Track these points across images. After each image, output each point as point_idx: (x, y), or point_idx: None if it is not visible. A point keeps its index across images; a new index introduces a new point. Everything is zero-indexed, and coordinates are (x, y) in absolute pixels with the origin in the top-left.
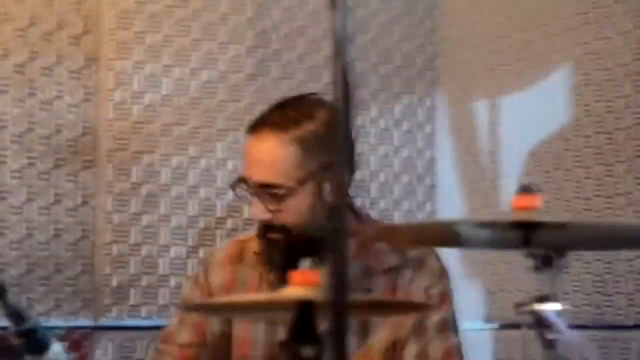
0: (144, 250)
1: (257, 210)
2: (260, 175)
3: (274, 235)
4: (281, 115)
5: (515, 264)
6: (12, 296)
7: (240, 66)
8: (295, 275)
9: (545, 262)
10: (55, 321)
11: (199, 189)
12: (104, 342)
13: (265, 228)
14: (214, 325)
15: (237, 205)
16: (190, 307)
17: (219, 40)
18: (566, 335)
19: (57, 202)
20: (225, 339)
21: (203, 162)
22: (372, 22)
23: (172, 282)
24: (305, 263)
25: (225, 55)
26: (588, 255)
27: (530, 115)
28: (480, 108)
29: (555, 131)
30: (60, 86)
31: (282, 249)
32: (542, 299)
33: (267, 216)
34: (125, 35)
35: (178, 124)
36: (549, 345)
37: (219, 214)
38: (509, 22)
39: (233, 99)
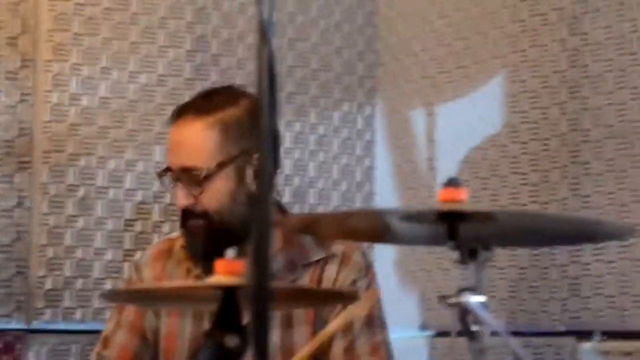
0: (79, 253)
1: (179, 197)
2: (181, 159)
3: (195, 222)
4: (204, 101)
5: (453, 270)
6: None
7: (179, 70)
8: (219, 265)
9: (471, 254)
10: None
11: (135, 193)
12: (37, 345)
13: (187, 215)
14: (149, 321)
15: (173, 210)
16: (117, 296)
17: (158, 44)
18: (491, 325)
19: None
20: (157, 334)
21: (140, 166)
22: (312, 29)
23: (108, 285)
24: (230, 252)
25: (164, 59)
26: (523, 260)
27: (466, 123)
28: (419, 116)
29: (492, 138)
30: None
31: (204, 236)
32: (467, 290)
33: (188, 202)
34: (63, 37)
35: (115, 127)
36: (474, 337)
37: (155, 217)
38: (448, 29)
39: (171, 103)
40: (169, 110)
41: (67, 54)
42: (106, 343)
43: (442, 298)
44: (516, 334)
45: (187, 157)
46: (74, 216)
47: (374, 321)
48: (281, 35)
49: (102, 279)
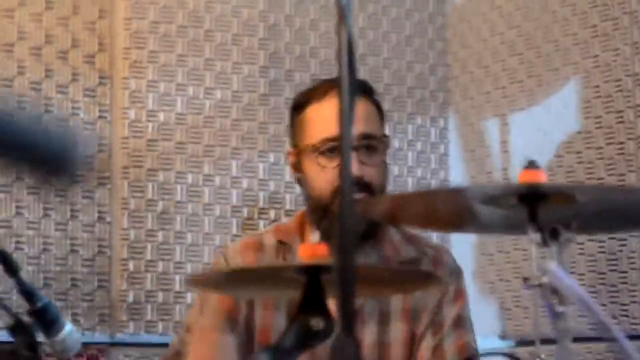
0: (160, 267)
1: (354, 165)
2: (361, 126)
3: (361, 195)
4: (363, 83)
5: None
6: (25, 275)
7: (254, 86)
8: (303, 248)
9: (552, 235)
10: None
11: (213, 207)
12: (120, 358)
13: (356, 184)
14: (242, 306)
15: (251, 224)
16: (200, 281)
17: (232, 60)
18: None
19: (73, 217)
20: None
21: (217, 180)
22: (384, 44)
23: (188, 298)
24: (315, 236)
25: (239, 75)
26: (602, 265)
27: (541, 131)
28: (492, 126)
29: (567, 144)
30: (76, 103)
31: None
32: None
33: (361, 172)
34: (138, 54)
35: (192, 142)
36: (559, 316)
37: (234, 231)
38: (519, 39)
39: (246, 119)
40: (245, 125)
41: (143, 71)
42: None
43: (526, 279)
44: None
45: (365, 124)
46: (154, 230)
47: (462, 322)
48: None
49: (183, 292)
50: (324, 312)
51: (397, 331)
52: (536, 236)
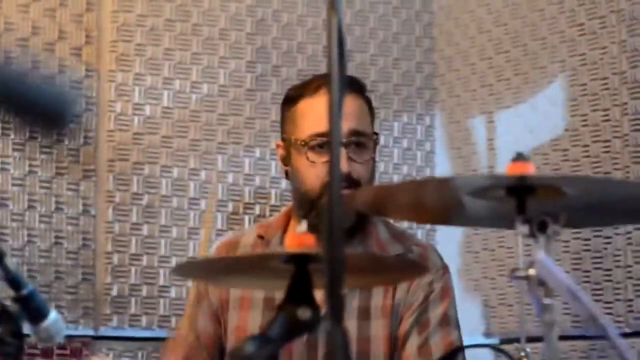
0: (144, 261)
1: (343, 162)
2: (351, 122)
3: (349, 191)
4: (356, 81)
5: None
6: (10, 261)
7: (240, 81)
8: (290, 238)
9: (540, 227)
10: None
11: (199, 201)
12: (104, 351)
13: (344, 180)
14: (201, 319)
15: (234, 218)
16: (186, 270)
17: (219, 54)
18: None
19: (58, 210)
20: (210, 333)
21: (203, 175)
22: (370, 41)
23: (173, 292)
24: (302, 226)
25: (225, 70)
26: (587, 264)
27: (527, 128)
28: (478, 124)
29: (553, 142)
30: None
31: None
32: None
33: (350, 169)
34: (125, 47)
35: (178, 136)
36: (546, 309)
37: (219, 225)
38: (506, 37)
39: (232, 113)
40: (231, 120)
41: (130, 64)
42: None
43: (513, 271)
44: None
45: (356, 122)
46: (139, 224)
47: (449, 320)
48: None
49: (167, 286)
50: (311, 302)
51: (378, 327)
52: (524, 228)
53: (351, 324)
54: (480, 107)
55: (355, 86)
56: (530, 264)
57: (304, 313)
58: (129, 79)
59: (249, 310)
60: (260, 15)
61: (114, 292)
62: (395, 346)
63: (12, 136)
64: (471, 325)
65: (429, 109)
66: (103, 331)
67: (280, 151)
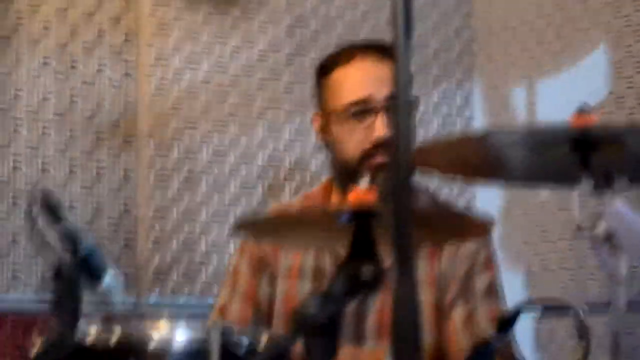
0: (185, 229)
1: (381, 127)
2: (388, 88)
3: (387, 159)
4: (386, 47)
5: (559, 243)
6: (68, 220)
7: (279, 47)
8: (353, 194)
9: (607, 181)
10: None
11: (239, 169)
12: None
13: (385, 145)
14: (263, 289)
15: (277, 187)
16: (248, 225)
17: (258, 20)
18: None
19: (98, 178)
20: (272, 300)
21: (243, 142)
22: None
23: (214, 262)
24: (364, 181)
25: (265, 36)
26: None
27: (569, 94)
28: (519, 91)
29: (597, 107)
30: (102, 61)
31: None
32: (600, 219)
33: (388, 134)
34: (164, 13)
35: (218, 102)
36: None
37: (260, 194)
38: (547, 1)
39: (272, 79)
40: (271, 86)
41: (169, 30)
42: (222, 313)
43: (579, 228)
44: None
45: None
46: (180, 193)
47: (494, 290)
48: (378, 12)
49: (209, 255)
50: (374, 260)
51: (425, 298)
52: (589, 184)
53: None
54: (521, 72)
55: (388, 51)
56: (597, 219)
57: (367, 270)
58: (168, 46)
59: (298, 280)
60: None
61: (156, 262)
62: (441, 315)
63: (53, 102)
64: (512, 294)
65: (468, 75)
66: (145, 300)
67: (317, 122)
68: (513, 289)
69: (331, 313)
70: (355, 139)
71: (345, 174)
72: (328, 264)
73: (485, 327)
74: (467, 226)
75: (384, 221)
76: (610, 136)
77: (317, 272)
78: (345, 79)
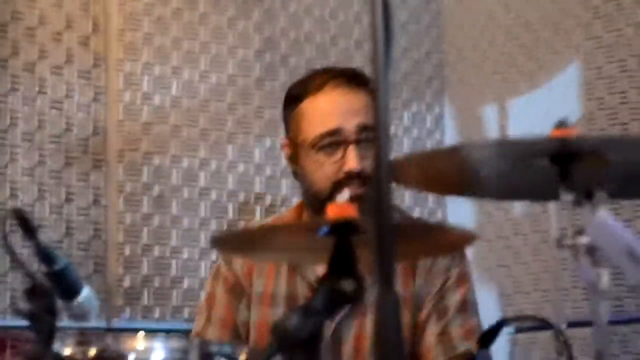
0: (156, 251)
1: (353, 158)
2: (359, 118)
3: (365, 189)
4: (358, 74)
5: (532, 264)
6: (42, 236)
7: (249, 70)
8: (332, 208)
9: (587, 195)
10: (66, 321)
11: (210, 191)
12: None
13: (357, 178)
14: (241, 315)
15: (247, 209)
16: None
17: (228, 44)
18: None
19: (68, 200)
20: (249, 325)
21: (213, 164)
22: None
23: (185, 284)
24: (344, 195)
25: (234, 59)
26: None
27: (542, 114)
28: (490, 112)
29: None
30: (71, 85)
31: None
32: (581, 232)
33: (363, 165)
34: (133, 36)
35: (188, 125)
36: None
37: (230, 215)
38: (518, 22)
39: (242, 102)
40: (240, 109)
41: (138, 53)
42: None
43: (559, 240)
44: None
45: (365, 117)
46: (150, 214)
47: (468, 306)
48: (347, 35)
49: (180, 277)
50: (354, 274)
51: (402, 318)
52: (568, 196)
53: (372, 320)
54: (492, 94)
55: (359, 80)
56: (579, 232)
57: (348, 285)
58: (137, 68)
59: (270, 307)
60: (268, 4)
61: (127, 284)
62: (417, 332)
63: (21, 126)
64: (485, 314)
65: (438, 98)
66: (116, 323)
67: (287, 150)
68: (487, 310)
69: (312, 328)
70: (325, 172)
71: (316, 204)
72: (300, 290)
73: (460, 342)
74: (449, 238)
75: (364, 235)
76: (591, 148)
77: (290, 299)
78: (315, 110)
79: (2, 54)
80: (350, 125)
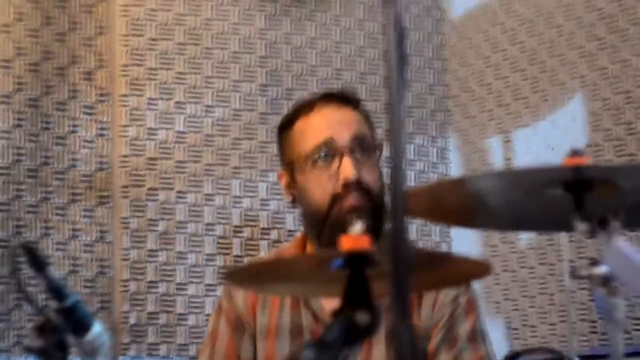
0: (161, 288)
1: (348, 168)
2: (352, 129)
3: (362, 199)
4: (348, 94)
5: (539, 297)
6: (53, 271)
7: (253, 104)
8: (345, 239)
9: (601, 224)
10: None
11: (215, 227)
12: None
13: (355, 189)
14: (245, 350)
15: (253, 244)
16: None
17: (231, 78)
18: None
19: (73, 237)
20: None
21: (218, 200)
22: (381, 63)
23: (190, 320)
24: (357, 227)
25: (238, 93)
26: None
27: (547, 145)
28: (495, 144)
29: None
30: (75, 121)
31: (367, 214)
32: (597, 262)
33: (358, 175)
34: (137, 71)
35: (192, 161)
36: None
37: (235, 252)
38: (523, 55)
39: (246, 137)
40: (245, 144)
41: (142, 88)
42: None
43: (574, 270)
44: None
45: (357, 127)
46: (155, 250)
47: (477, 335)
48: (351, 68)
49: (185, 314)
50: (369, 306)
51: None
52: (583, 226)
53: (380, 349)
54: (497, 127)
55: (348, 98)
56: (593, 262)
57: (363, 317)
58: (141, 104)
59: (276, 340)
60: (272, 38)
61: (132, 321)
62: None
63: (25, 161)
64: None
65: (442, 131)
66: None
67: (284, 179)
68: (494, 343)
69: None
70: (323, 185)
71: (317, 221)
72: (305, 321)
73: None
74: (464, 269)
75: (379, 266)
76: (605, 176)
77: (295, 330)
78: (308, 127)
79: (6, 89)
80: (342, 135)
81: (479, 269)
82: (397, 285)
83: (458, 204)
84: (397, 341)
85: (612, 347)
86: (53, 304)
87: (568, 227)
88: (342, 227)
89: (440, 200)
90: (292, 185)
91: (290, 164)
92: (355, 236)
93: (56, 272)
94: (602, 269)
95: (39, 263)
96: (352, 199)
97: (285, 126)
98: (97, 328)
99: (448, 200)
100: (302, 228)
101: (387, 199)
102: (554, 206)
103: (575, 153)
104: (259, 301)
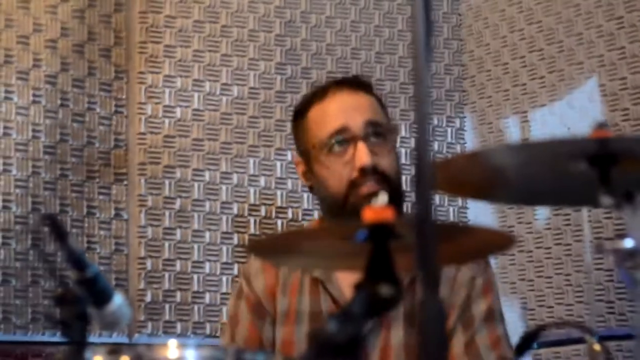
0: (177, 266)
1: (363, 154)
2: (366, 115)
3: (377, 184)
4: (362, 80)
5: (555, 278)
6: (73, 241)
7: (270, 83)
8: (369, 211)
9: (627, 197)
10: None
11: (231, 205)
12: None
13: (372, 174)
14: (266, 332)
15: (268, 223)
16: (259, 246)
17: (249, 56)
18: None
19: (90, 214)
20: (274, 344)
21: (235, 178)
22: (399, 43)
23: (207, 298)
24: (382, 198)
25: (255, 72)
26: None
27: (564, 125)
28: (512, 124)
29: None
30: (92, 98)
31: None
32: (622, 236)
33: (372, 161)
34: (154, 49)
35: (209, 139)
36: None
37: (252, 230)
38: (539, 34)
39: (263, 116)
40: (262, 123)
41: (160, 66)
42: None
43: (599, 244)
44: None
45: (371, 113)
46: (171, 228)
47: (494, 315)
48: (368, 47)
49: (201, 292)
50: (392, 279)
51: None
52: (609, 200)
53: (397, 331)
54: (513, 107)
55: (361, 84)
56: (620, 236)
57: (386, 289)
58: (158, 81)
59: (295, 325)
60: (289, 16)
61: (148, 298)
62: None
63: (43, 139)
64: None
65: (458, 112)
66: (137, 338)
67: (300, 167)
68: (510, 324)
69: (351, 333)
70: (339, 172)
71: (335, 208)
72: (324, 306)
73: (486, 352)
74: (489, 241)
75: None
76: (632, 148)
77: (314, 315)
78: (322, 114)
79: (24, 65)
80: (356, 121)
81: (501, 240)
82: (424, 258)
83: (478, 176)
84: (424, 314)
85: (637, 322)
86: (74, 275)
87: (589, 202)
88: (359, 214)
89: (461, 173)
90: (309, 173)
91: (306, 153)
92: (379, 208)
93: (77, 243)
94: (627, 243)
95: (60, 234)
96: (369, 185)
97: (299, 115)
98: (118, 300)
99: (467, 174)
100: (318, 209)
101: (403, 182)
102: (575, 180)
103: (601, 126)
104: (278, 286)
